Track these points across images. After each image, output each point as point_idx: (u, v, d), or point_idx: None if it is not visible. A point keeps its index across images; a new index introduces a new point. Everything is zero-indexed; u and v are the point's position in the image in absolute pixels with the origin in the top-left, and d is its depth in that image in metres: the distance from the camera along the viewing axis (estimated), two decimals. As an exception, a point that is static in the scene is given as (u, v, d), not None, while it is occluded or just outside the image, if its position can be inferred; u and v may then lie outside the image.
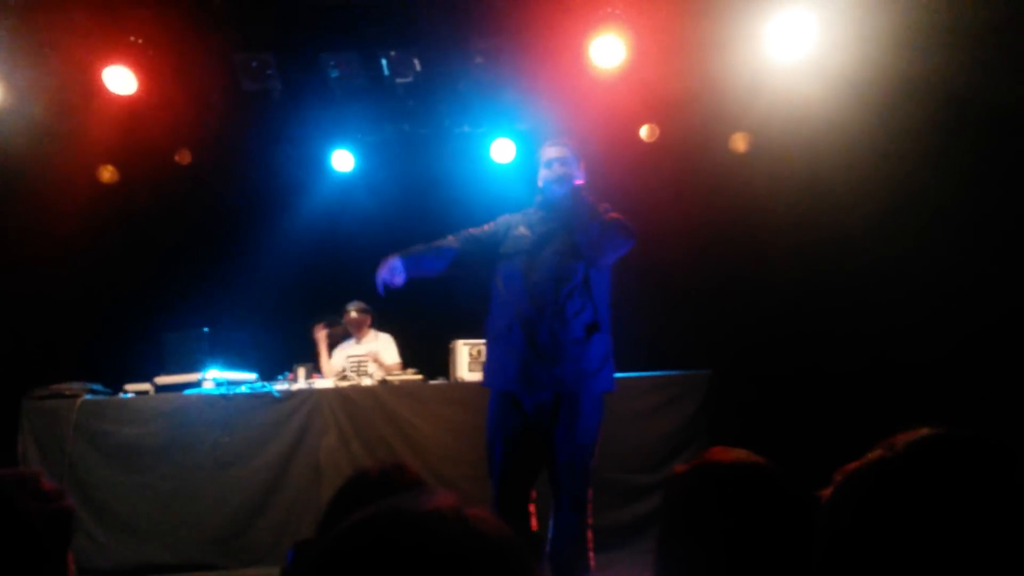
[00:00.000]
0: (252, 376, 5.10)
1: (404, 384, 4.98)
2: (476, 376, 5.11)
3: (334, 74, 5.29)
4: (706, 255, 5.90)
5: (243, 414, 4.76)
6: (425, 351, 5.56)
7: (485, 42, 5.14)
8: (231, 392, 4.81)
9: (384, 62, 5.17)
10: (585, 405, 3.11)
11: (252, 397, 4.82)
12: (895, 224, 5.19)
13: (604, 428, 3.18)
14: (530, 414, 3.15)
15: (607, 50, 4.96)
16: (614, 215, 3.23)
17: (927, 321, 4.97)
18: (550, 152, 3.35)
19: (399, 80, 5.30)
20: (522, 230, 3.34)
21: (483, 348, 5.18)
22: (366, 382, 5.02)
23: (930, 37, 4.70)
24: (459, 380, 5.00)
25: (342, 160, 6.05)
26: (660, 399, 4.79)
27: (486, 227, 3.43)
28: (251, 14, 5.11)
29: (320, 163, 6.10)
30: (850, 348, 5.27)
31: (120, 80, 5.10)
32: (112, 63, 5.08)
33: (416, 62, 5.18)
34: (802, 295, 5.63)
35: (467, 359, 5.12)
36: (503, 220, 3.44)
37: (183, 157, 5.82)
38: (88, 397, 4.82)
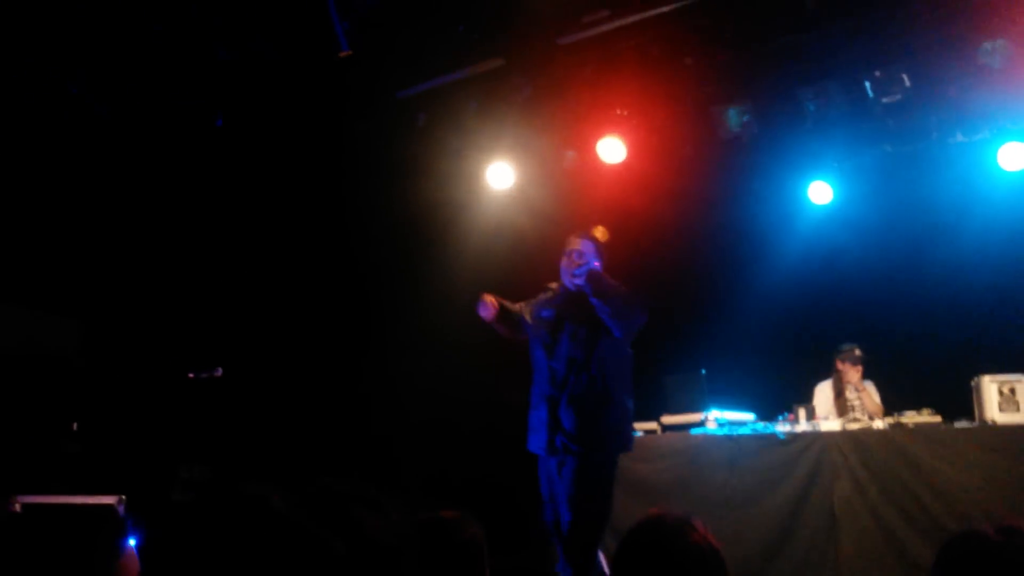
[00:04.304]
0: (750, 416, 5.15)
1: (921, 426, 4.54)
2: (1009, 418, 4.49)
3: (811, 107, 5.19)
4: None
5: (748, 455, 4.81)
6: (938, 388, 5.02)
7: (990, 40, 4.55)
8: (735, 433, 4.90)
9: (868, 84, 4.90)
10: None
11: (756, 438, 4.85)
12: None
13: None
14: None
15: None
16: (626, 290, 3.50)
17: None
18: (571, 244, 3.69)
19: (884, 100, 4.96)
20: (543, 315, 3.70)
21: (1016, 386, 4.58)
22: (877, 425, 4.70)
23: None
24: (990, 422, 4.42)
25: (820, 192, 5.86)
26: None
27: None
28: (724, 66, 5.29)
29: (796, 198, 5.99)
30: None
31: (611, 150, 5.67)
32: (604, 136, 5.68)
33: (905, 77, 4.80)
34: None
35: (996, 397, 4.53)
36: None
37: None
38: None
